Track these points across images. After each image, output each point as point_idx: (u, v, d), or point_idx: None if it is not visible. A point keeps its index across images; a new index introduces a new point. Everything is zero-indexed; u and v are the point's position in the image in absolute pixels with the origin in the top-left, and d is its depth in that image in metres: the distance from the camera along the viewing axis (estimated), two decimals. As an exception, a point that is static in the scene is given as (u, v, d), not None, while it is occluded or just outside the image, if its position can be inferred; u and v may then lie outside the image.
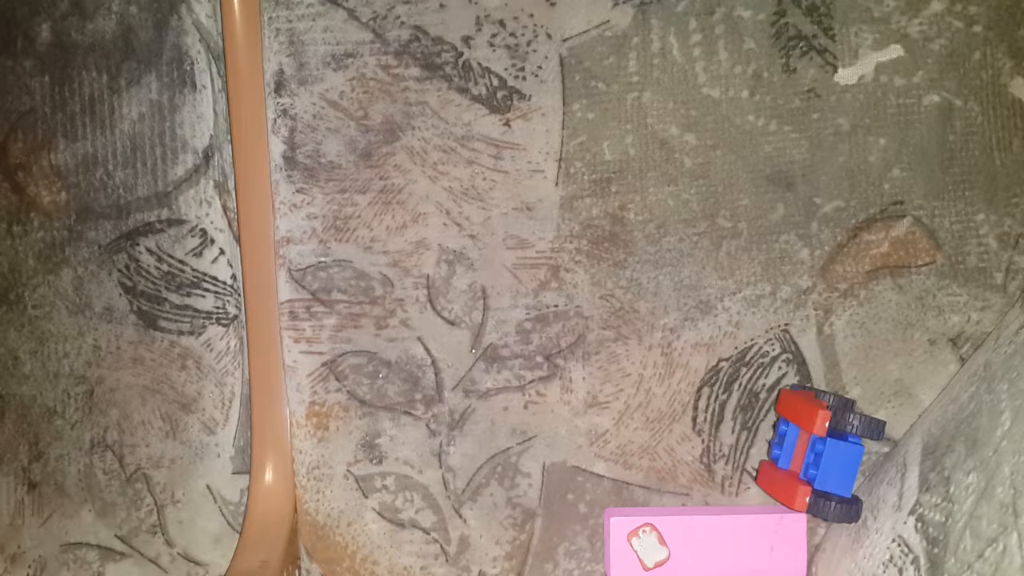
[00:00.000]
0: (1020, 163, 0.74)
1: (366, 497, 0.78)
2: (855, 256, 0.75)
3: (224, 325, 0.82)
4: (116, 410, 0.82)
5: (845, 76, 0.74)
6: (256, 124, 0.77)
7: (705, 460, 0.76)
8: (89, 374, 0.82)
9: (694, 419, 0.76)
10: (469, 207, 0.77)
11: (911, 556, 0.60)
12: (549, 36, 0.76)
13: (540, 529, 0.77)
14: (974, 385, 0.65)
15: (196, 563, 0.83)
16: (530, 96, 0.76)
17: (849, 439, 0.69)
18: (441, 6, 0.76)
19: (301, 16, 0.77)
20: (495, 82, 0.76)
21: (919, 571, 0.59)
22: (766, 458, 0.76)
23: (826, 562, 0.72)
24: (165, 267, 0.81)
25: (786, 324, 0.75)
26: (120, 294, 0.82)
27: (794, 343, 0.75)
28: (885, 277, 0.75)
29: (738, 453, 0.76)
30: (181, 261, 0.81)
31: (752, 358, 0.76)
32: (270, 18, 0.77)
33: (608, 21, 0.75)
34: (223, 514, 0.82)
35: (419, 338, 0.77)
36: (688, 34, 0.75)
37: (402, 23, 0.76)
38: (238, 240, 0.79)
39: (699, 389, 0.76)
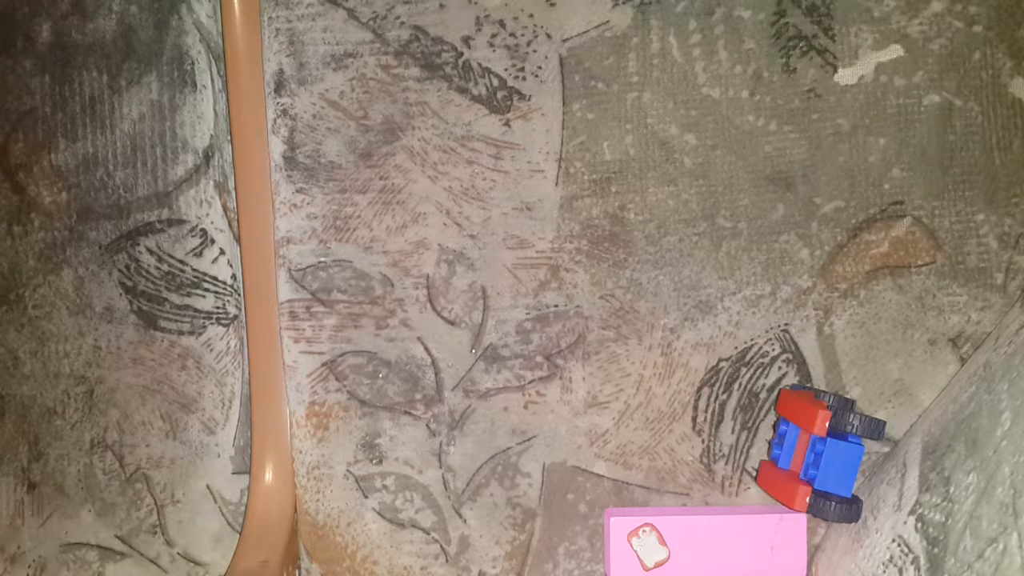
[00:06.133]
0: (1020, 163, 0.74)
1: (366, 497, 0.78)
2: (855, 256, 0.75)
3: (224, 325, 0.82)
4: (116, 410, 0.82)
5: (845, 76, 0.74)
6: (256, 124, 0.77)
7: (705, 460, 0.76)
8: (89, 374, 0.82)
9: (694, 419, 0.76)
10: (469, 207, 0.77)
11: (911, 556, 0.60)
12: (549, 36, 0.76)
13: (540, 529, 0.77)
14: (974, 385, 0.65)
15: (196, 563, 0.83)
16: (530, 96, 0.76)
17: (849, 439, 0.69)
18: (441, 6, 0.76)
19: (301, 16, 0.77)
20: (495, 82, 0.76)
21: (919, 571, 0.59)
22: (766, 458, 0.76)
23: (826, 562, 0.72)
24: (165, 267, 0.81)
25: (786, 324, 0.75)
26: (120, 294, 0.82)
27: (794, 343, 0.75)
28: (885, 277, 0.75)
29: (738, 453, 0.76)
30: (181, 261, 0.81)
31: (752, 358, 0.76)
32: (270, 18, 0.77)
33: (608, 21, 0.75)
34: (223, 514, 0.82)
35: (419, 338, 0.77)
36: (688, 34, 0.75)
37: (402, 23, 0.76)
38: (238, 240, 0.79)
39: (699, 389, 0.76)
